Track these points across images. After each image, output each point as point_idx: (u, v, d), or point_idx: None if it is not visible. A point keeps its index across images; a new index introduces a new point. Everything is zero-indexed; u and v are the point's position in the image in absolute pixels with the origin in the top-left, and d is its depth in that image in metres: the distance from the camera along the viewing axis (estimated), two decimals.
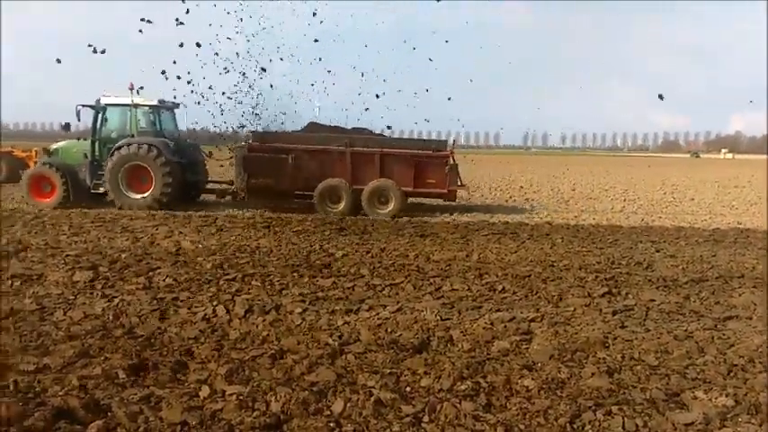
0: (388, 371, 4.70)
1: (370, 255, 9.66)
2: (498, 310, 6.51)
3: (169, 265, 8.32)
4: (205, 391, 4.21)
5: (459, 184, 16.27)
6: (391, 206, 15.16)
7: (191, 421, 3.79)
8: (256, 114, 17.60)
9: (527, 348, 5.35)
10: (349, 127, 16.80)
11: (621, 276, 8.42)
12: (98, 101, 15.71)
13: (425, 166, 15.45)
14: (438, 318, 6.12)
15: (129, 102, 15.62)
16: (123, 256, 8.94)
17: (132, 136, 15.49)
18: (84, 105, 15.62)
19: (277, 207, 15.70)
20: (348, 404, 4.06)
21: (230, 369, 4.63)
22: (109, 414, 3.88)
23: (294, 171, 15.28)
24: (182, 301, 6.58)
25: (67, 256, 8.80)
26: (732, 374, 4.83)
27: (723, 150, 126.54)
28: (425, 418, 3.94)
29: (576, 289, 7.61)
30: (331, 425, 3.80)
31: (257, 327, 5.79)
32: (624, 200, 21.22)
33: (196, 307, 6.33)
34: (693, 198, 22.38)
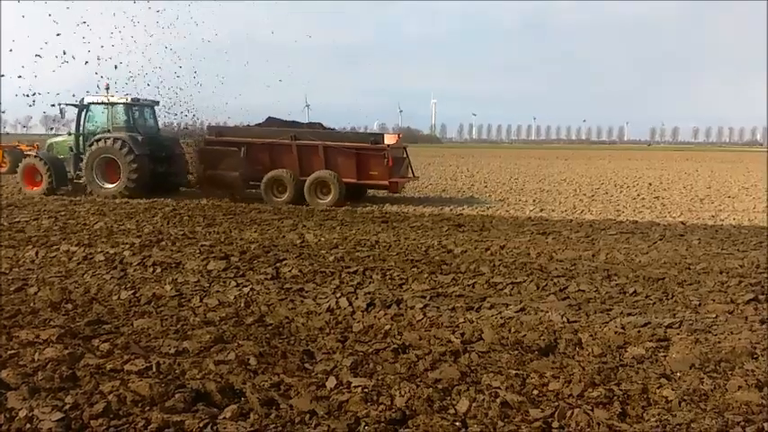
0: (514, 372, 4.56)
1: (489, 252, 9.49)
2: (630, 314, 6.15)
3: (294, 257, 8.62)
4: (331, 381, 4.29)
5: (409, 176, 17.42)
6: (331, 196, 15.61)
7: (319, 411, 3.88)
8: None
9: (664, 356, 5.00)
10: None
11: None
12: (82, 99, 17.16)
13: (367, 158, 15.98)
14: (565, 319, 5.87)
15: (107, 100, 16.99)
16: (252, 247, 9.38)
17: (109, 131, 16.74)
18: (67, 104, 17.16)
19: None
20: (473, 404, 3.97)
21: (355, 361, 4.70)
22: (242, 399, 4.05)
23: (245, 163, 16.05)
24: (307, 291, 6.79)
25: (202, 245, 9.36)
26: None
27: None
28: (555, 424, 3.77)
29: (718, 294, 7.04)
30: (457, 424, 3.74)
31: (379, 320, 5.84)
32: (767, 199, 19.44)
33: (320, 298, 6.50)
34: None
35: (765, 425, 3.77)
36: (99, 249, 8.93)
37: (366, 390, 4.15)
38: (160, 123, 18.74)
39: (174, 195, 16.88)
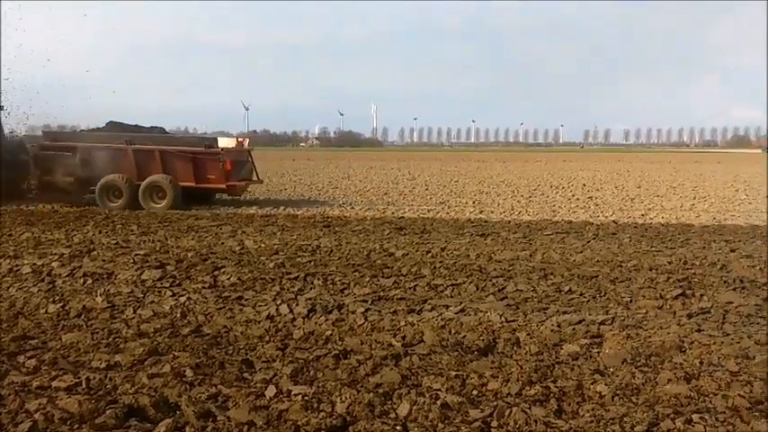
0: (454, 373, 4.59)
1: (430, 254, 9.56)
2: (566, 312, 6.31)
3: (233, 264, 8.46)
4: (271, 390, 4.22)
5: (253, 179, 17.77)
6: (166, 201, 15.68)
7: (257, 421, 3.80)
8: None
9: (598, 352, 5.15)
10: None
11: (695, 277, 8.03)
12: None
13: (203, 162, 16.23)
14: (503, 319, 5.97)
15: None
16: (189, 255, 9.15)
17: None
18: None
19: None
20: (414, 407, 3.98)
21: (295, 369, 4.64)
22: (178, 412, 3.93)
23: (80, 168, 16.04)
24: (246, 299, 6.67)
25: (136, 255, 9.07)
26: None
27: None
28: (494, 423, 3.82)
29: (648, 290, 7.30)
30: (398, 428, 3.74)
31: (320, 326, 5.79)
32: (694, 197, 20.38)
33: (260, 306, 6.39)
34: None
35: (694, 416, 3.92)
36: (25, 261, 8.52)
37: (306, 397, 4.09)
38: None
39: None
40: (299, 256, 9.19)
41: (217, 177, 16.17)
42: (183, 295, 6.77)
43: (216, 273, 7.89)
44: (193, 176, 16.07)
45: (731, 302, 6.78)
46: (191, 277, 7.71)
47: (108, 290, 7.01)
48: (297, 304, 6.38)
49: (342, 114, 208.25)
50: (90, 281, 7.47)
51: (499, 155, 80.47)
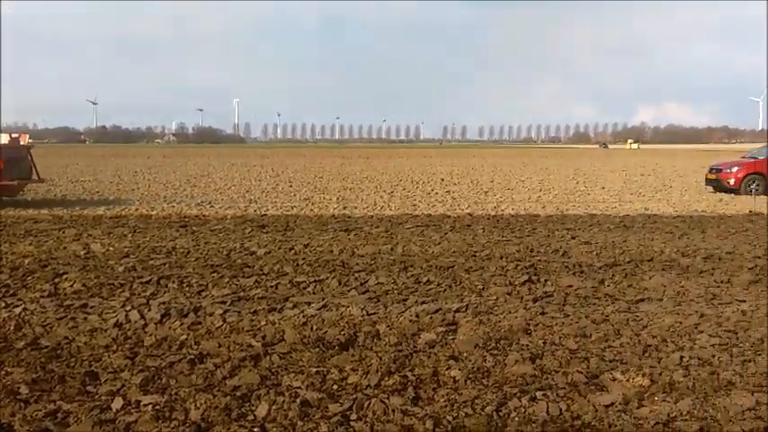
0: (315, 370, 4.57)
1: (293, 252, 9.47)
2: (424, 302, 6.51)
3: (77, 270, 7.83)
4: (118, 402, 3.95)
5: (32, 178, 16.91)
6: None
7: None
8: None
9: (453, 339, 5.37)
10: None
11: (540, 264, 8.63)
12: None
13: None
14: (364, 312, 6.05)
15: None
16: (26, 261, 8.36)
17: None
18: None
19: None
20: (273, 407, 3.91)
21: (145, 378, 4.37)
22: None
23: None
24: (91, 307, 6.20)
25: None
26: (647, 355, 5.01)
27: (629, 141, 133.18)
28: (353, 416, 3.85)
29: (498, 278, 7.74)
30: (255, 430, 3.65)
31: (175, 331, 5.52)
32: (540, 190, 21.92)
33: (107, 313, 5.97)
34: (604, 187, 23.38)
35: (538, 393, 4.19)
36: None
37: (157, 407, 3.88)
38: None
39: None
40: (152, 259, 8.71)
41: None
42: (18, 306, 6.15)
43: (57, 280, 7.27)
44: None
45: (571, 286, 7.36)
46: (27, 286, 7.04)
47: None
48: (149, 309, 6.04)
49: (201, 110, 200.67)
50: None
51: (363, 151, 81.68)
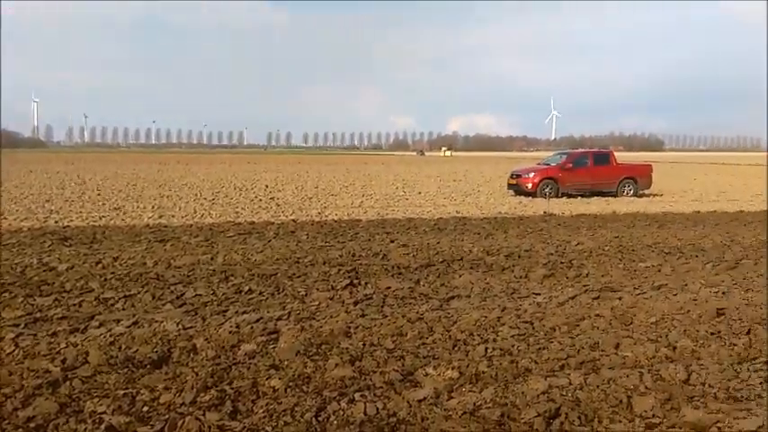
0: (122, 392, 4.26)
1: (100, 265, 8.77)
2: (245, 312, 6.37)
3: None
4: None
5: None
6: None
7: None
8: None
9: (274, 348, 5.31)
10: None
11: (362, 267, 8.86)
12: None
13: None
14: (180, 327, 5.77)
15: None
16: None
17: None
18: None
19: None
20: None
21: None
22: None
23: None
24: None
25: None
26: (456, 349, 5.36)
27: (444, 148, 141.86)
28: None
29: (321, 283, 7.81)
30: None
31: None
32: (363, 195, 22.53)
33: None
34: (420, 192, 24.64)
35: (356, 395, 4.29)
36: None
37: None
38: None
39: None
40: None
41: None
42: None
43: None
44: None
45: (390, 287, 7.65)
46: None
47: None
48: None
49: None
50: None
51: (182, 157, 78.15)
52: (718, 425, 3.86)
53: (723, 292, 7.45)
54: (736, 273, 8.77)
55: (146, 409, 4.06)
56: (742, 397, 4.32)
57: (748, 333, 5.76)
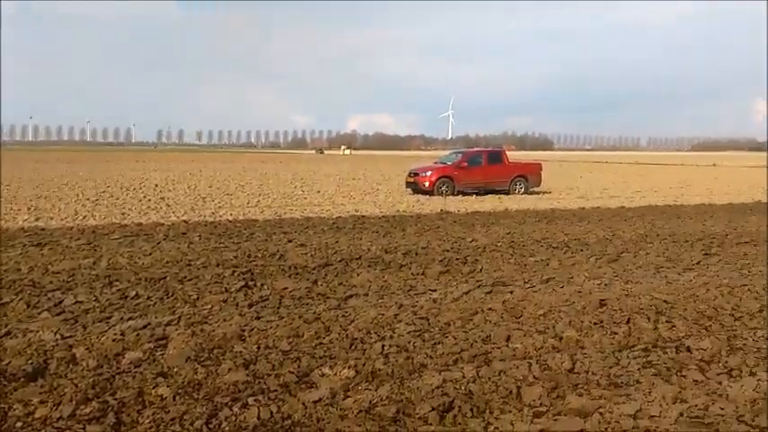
0: None
1: None
2: (131, 319, 6.04)
3: None
4: None
5: None
6: None
7: None
8: None
9: (162, 354, 5.06)
10: None
11: (258, 269, 8.66)
12: None
13: None
14: (58, 336, 5.38)
15: None
16: None
17: None
18: None
19: None
20: None
21: None
22: None
23: None
24: None
25: None
26: (353, 347, 5.34)
27: (343, 147, 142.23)
28: None
29: (214, 286, 7.55)
30: None
31: None
32: (259, 195, 22.09)
33: None
34: (319, 191, 24.52)
35: (250, 399, 4.17)
36: None
37: None
38: None
39: None
40: None
41: None
42: None
43: None
44: None
45: (286, 288, 7.52)
46: None
47: None
48: None
49: None
50: None
51: (63, 155, 73.41)
52: (600, 410, 4.08)
53: (605, 284, 7.93)
54: (617, 265, 9.37)
55: (19, 424, 3.75)
56: (622, 383, 4.60)
57: (628, 322, 6.15)
